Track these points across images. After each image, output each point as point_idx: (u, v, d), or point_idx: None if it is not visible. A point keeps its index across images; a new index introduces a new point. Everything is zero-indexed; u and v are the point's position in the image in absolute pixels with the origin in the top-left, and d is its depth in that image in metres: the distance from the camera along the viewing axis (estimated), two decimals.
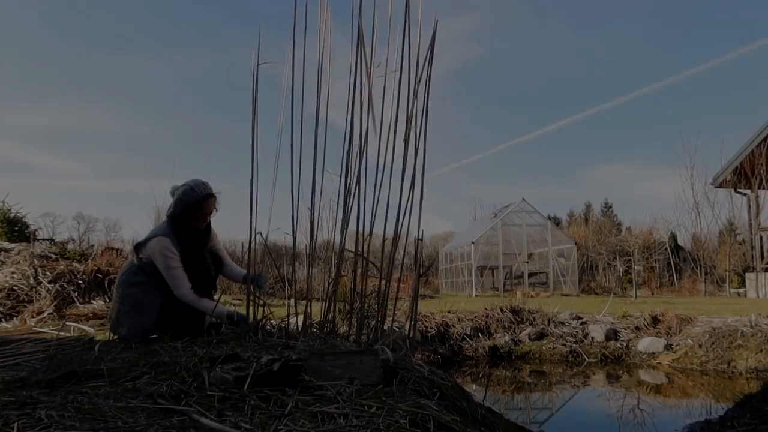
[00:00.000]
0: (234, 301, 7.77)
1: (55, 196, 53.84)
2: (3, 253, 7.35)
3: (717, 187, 16.44)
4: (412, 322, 3.13)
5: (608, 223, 34.27)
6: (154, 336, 2.98)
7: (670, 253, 24.58)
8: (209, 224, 3.22)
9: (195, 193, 3.03)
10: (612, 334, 5.65)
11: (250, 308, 2.95)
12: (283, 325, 2.95)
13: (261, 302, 2.97)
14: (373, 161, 2.96)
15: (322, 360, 1.85)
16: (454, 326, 5.87)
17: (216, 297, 3.22)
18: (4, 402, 1.47)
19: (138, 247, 3.08)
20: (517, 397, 4.25)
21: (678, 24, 42.84)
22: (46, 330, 4.40)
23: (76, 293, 5.85)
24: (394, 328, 3.65)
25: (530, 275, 18.39)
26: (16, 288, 5.79)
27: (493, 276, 19.11)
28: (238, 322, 2.98)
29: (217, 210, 3.18)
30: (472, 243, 17.73)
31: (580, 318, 6.12)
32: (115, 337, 2.98)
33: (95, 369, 1.90)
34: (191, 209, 3.04)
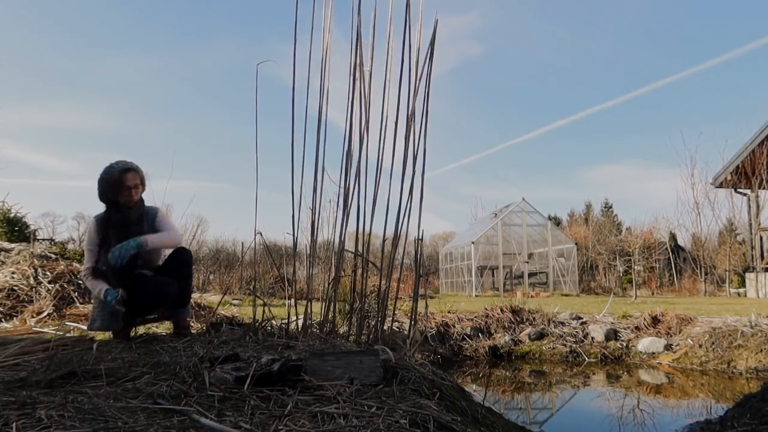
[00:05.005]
0: (234, 301, 7.78)
1: (55, 196, 53.80)
2: (3, 253, 7.35)
3: (717, 187, 16.43)
4: (412, 322, 3.13)
5: (608, 223, 34.26)
6: (154, 335, 2.98)
7: (670, 253, 24.58)
8: (141, 203, 3.22)
9: (113, 168, 3.10)
10: (612, 334, 5.65)
11: (250, 308, 2.95)
12: (284, 326, 2.95)
13: (262, 302, 2.98)
14: (373, 161, 2.97)
15: (322, 360, 1.85)
16: (454, 326, 5.87)
17: (219, 296, 3.22)
18: (4, 402, 1.47)
19: None
20: (517, 397, 4.25)
21: (678, 23, 42.82)
22: (46, 330, 4.39)
23: (76, 293, 5.85)
24: (394, 328, 3.65)
25: (530, 275, 18.39)
26: (16, 288, 5.78)
27: (493, 276, 19.10)
28: (107, 298, 2.93)
29: (144, 185, 3.22)
30: (472, 243, 17.73)
31: (580, 318, 6.12)
32: (92, 335, 3.03)
33: (95, 369, 1.90)
34: (112, 185, 3.08)
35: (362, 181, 2.95)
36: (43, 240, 10.61)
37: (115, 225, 3.09)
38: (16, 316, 5.38)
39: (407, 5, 2.82)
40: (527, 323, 6.06)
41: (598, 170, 51.30)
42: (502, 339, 5.71)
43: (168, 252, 3.39)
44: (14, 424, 1.26)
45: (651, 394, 4.26)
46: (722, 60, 40.19)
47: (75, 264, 6.63)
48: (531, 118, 52.23)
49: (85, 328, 4.50)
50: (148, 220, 3.24)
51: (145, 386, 1.70)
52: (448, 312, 6.33)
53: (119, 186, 3.09)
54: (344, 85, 2.98)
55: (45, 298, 5.60)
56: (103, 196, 3.11)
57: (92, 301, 3.15)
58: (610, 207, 39.32)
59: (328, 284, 3.14)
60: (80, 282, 6.10)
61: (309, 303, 2.98)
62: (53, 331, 4.20)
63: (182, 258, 3.29)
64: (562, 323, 5.97)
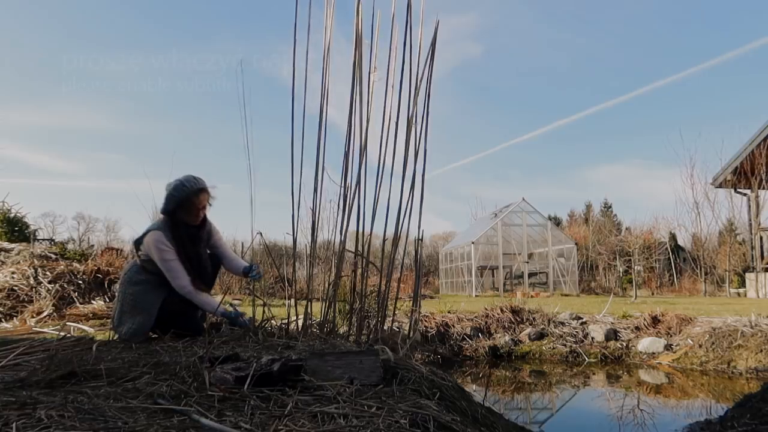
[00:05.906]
0: (234, 301, 7.77)
1: (55, 196, 53.84)
2: (3, 253, 7.35)
3: (717, 187, 16.44)
4: (412, 322, 3.13)
5: (608, 223, 34.28)
6: (155, 336, 2.98)
7: (670, 253, 24.58)
8: (205, 220, 3.19)
9: (185, 188, 3.00)
10: (612, 335, 5.65)
11: (250, 308, 2.96)
12: (284, 325, 2.96)
13: (262, 302, 2.98)
14: (373, 161, 2.97)
15: (322, 360, 1.85)
16: (454, 326, 5.87)
17: (216, 296, 3.23)
18: (4, 402, 1.47)
19: (137, 243, 3.09)
20: (517, 397, 4.25)
21: (678, 23, 42.82)
22: (46, 330, 4.39)
23: (76, 293, 5.85)
24: (394, 328, 3.65)
25: (530, 275, 18.39)
26: (16, 288, 5.78)
27: (493, 276, 19.11)
28: (236, 320, 3.00)
29: (211, 204, 3.15)
30: (472, 243, 17.73)
31: (580, 318, 6.12)
32: (116, 336, 2.98)
33: (95, 369, 1.90)
34: (182, 205, 3.02)
35: (363, 181, 2.95)
36: (43, 240, 10.63)
37: (186, 240, 3.04)
38: (16, 316, 5.38)
39: (408, 5, 2.83)
40: (527, 323, 6.06)
41: (598, 170, 51.33)
42: (502, 339, 5.71)
43: None
44: (14, 424, 1.26)
45: (651, 394, 4.26)
46: (722, 60, 40.18)
47: (75, 264, 6.63)
48: (531, 118, 52.27)
49: (86, 328, 4.50)
50: (206, 236, 3.24)
51: (145, 386, 1.70)
52: (448, 312, 6.33)
53: (190, 207, 3.02)
54: (345, 85, 2.98)
55: (45, 298, 5.61)
56: (169, 213, 3.04)
57: (122, 303, 3.00)
58: (610, 207, 39.36)
59: (329, 284, 3.14)
60: (80, 282, 6.10)
61: (309, 303, 2.98)
62: (53, 331, 4.20)
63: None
64: (562, 323, 5.97)
